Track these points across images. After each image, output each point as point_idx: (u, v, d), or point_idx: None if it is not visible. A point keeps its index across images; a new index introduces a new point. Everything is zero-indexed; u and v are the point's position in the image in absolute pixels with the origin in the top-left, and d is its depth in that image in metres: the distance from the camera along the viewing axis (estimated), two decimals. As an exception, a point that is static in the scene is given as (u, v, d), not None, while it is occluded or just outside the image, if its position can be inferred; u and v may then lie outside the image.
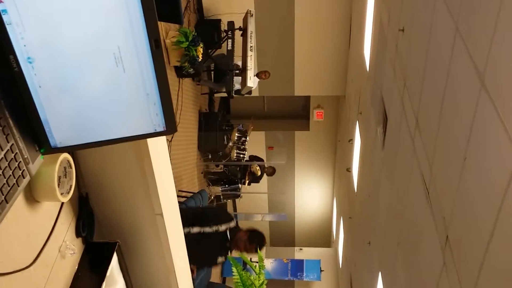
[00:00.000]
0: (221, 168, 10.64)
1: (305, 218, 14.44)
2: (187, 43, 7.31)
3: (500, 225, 2.40)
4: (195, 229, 4.17)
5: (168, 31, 7.61)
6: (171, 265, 1.67)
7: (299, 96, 11.95)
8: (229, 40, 8.85)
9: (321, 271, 11.11)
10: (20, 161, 1.07)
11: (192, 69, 7.81)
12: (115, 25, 1.02)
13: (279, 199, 13.75)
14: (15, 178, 1.05)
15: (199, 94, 9.96)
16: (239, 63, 8.74)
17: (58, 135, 1.12)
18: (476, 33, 2.71)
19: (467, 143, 2.80)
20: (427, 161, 3.64)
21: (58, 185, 1.21)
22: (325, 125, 12.57)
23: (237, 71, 8.72)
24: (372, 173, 6.53)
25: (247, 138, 10.13)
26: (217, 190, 10.50)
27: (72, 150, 1.25)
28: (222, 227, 4.33)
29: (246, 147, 10.14)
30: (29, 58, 1.02)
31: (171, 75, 7.90)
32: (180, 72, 8.01)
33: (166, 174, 1.63)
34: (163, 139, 1.58)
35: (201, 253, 4.10)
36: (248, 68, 8.37)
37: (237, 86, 8.88)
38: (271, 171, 10.87)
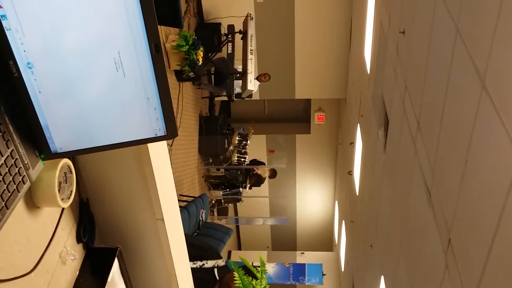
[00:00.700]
0: (222, 172, 10.64)
1: (306, 222, 14.42)
2: (187, 46, 7.32)
3: (502, 227, 2.39)
4: None
5: (168, 35, 7.62)
6: (172, 270, 1.66)
7: (300, 99, 11.95)
8: (229, 44, 8.86)
9: (323, 275, 11.08)
10: (20, 167, 1.06)
11: (192, 73, 7.81)
12: (115, 30, 1.01)
13: (280, 203, 13.74)
14: (15, 184, 1.04)
15: (199, 97, 9.97)
16: (240, 67, 8.75)
17: (58, 140, 1.12)
18: (477, 35, 2.71)
19: (469, 145, 2.80)
20: (429, 164, 3.63)
21: (59, 190, 1.20)
22: (326, 128, 12.57)
23: (238, 75, 8.72)
24: (374, 176, 6.52)
25: (248, 141, 10.13)
26: (218, 194, 10.49)
27: (72, 155, 1.25)
28: (208, 264, 3.81)
29: (247, 150, 10.14)
30: (28, 63, 1.02)
31: (171, 79, 7.90)
32: (180, 76, 8.02)
33: (166, 179, 1.62)
34: (163, 143, 1.58)
35: None
36: (249, 71, 8.37)
37: (237, 89, 8.89)
38: (272, 173, 10.87)
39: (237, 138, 10.03)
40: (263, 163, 10.81)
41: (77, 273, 1.45)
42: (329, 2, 9.41)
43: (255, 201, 12.52)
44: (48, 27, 0.99)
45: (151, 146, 1.41)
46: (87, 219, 1.51)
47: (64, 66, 1.03)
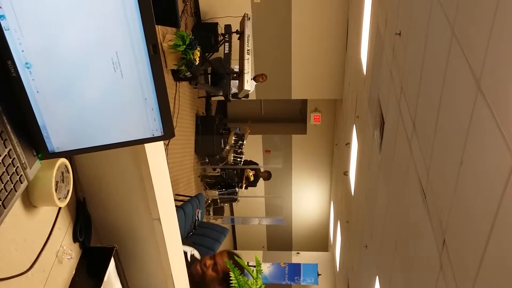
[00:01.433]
0: (218, 171, 10.64)
1: (302, 222, 14.44)
2: (184, 46, 7.32)
3: (496, 228, 2.40)
4: None
5: (165, 34, 7.62)
6: (168, 270, 1.67)
7: (296, 100, 11.97)
8: (226, 44, 8.86)
9: (318, 275, 11.11)
10: (17, 166, 1.07)
11: (189, 73, 7.82)
12: (113, 30, 1.02)
13: (276, 203, 13.75)
14: (12, 183, 1.05)
15: (196, 97, 9.97)
16: (236, 67, 8.75)
17: (56, 140, 1.12)
18: (472, 37, 2.72)
19: (464, 147, 2.81)
20: (424, 165, 3.65)
21: (56, 190, 1.21)
22: (322, 129, 12.59)
23: (234, 75, 8.73)
24: (369, 176, 6.54)
25: (244, 141, 10.14)
26: (214, 193, 10.49)
27: (69, 155, 1.25)
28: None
29: (243, 150, 10.15)
30: (27, 63, 1.02)
31: (168, 79, 7.90)
32: (177, 75, 8.02)
33: (163, 179, 1.63)
34: (160, 143, 1.58)
35: None
36: (245, 71, 8.38)
37: (234, 89, 8.90)
38: (267, 175, 10.88)
39: (233, 138, 10.04)
40: (256, 163, 10.81)
41: (74, 272, 1.45)
42: (326, 3, 9.43)
43: (251, 201, 12.53)
44: (46, 27, 1.00)
45: (148, 145, 1.42)
46: (84, 219, 1.51)
47: (62, 66, 1.04)
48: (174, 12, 5.36)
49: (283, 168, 12.28)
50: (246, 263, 2.95)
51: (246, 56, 8.46)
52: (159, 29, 7.31)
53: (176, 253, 1.79)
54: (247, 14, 8.74)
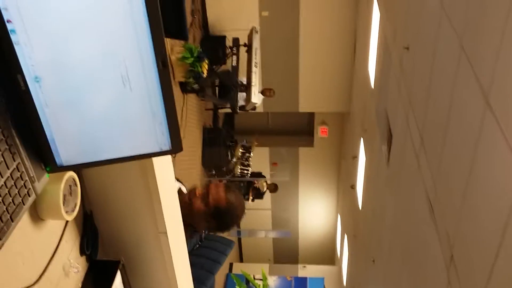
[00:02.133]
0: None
1: (309, 235, 14.38)
2: (192, 59, 7.36)
3: (505, 243, 2.38)
4: None
5: (173, 46, 7.66)
6: (174, 284, 1.66)
7: (304, 113, 11.97)
8: (234, 56, 8.90)
9: (324, 289, 11.05)
10: (26, 180, 1.07)
11: (196, 85, 7.85)
12: (122, 45, 1.02)
13: (282, 216, 13.72)
14: (21, 197, 1.05)
15: (203, 109, 10.00)
16: (244, 79, 8.78)
17: (64, 153, 1.12)
18: (481, 51, 2.72)
19: (472, 161, 2.80)
20: (432, 179, 3.63)
21: (63, 203, 1.21)
22: (329, 142, 12.57)
23: (242, 87, 8.75)
24: (377, 190, 6.51)
25: (251, 154, 10.14)
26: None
27: (77, 168, 1.26)
28: None
29: (250, 163, 10.15)
30: (36, 77, 1.03)
31: (176, 91, 7.93)
32: (184, 87, 8.05)
33: (170, 192, 1.63)
34: (168, 156, 1.58)
35: None
36: (253, 84, 8.41)
37: (241, 102, 8.91)
38: (273, 188, 10.87)
39: (240, 150, 10.04)
40: (263, 176, 10.80)
41: (80, 285, 1.45)
42: (333, 16, 9.46)
43: (257, 213, 12.50)
44: (56, 42, 1.00)
45: (155, 159, 1.42)
46: (91, 232, 1.51)
47: (71, 80, 1.04)
48: (183, 25, 5.39)
49: (290, 181, 12.26)
50: (252, 277, 2.94)
51: (254, 69, 8.49)
52: (167, 41, 7.35)
53: (182, 267, 1.78)
54: (255, 27, 8.78)
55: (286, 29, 9.82)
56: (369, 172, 7.38)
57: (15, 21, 0.97)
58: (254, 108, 9.21)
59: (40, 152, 1.11)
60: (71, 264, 1.39)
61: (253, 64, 8.53)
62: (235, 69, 8.83)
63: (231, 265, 12.20)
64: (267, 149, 13.03)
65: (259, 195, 10.62)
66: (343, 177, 12.08)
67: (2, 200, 0.99)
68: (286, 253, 14.56)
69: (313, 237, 14.39)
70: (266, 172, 11.84)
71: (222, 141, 9.86)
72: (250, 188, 10.45)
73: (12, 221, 1.03)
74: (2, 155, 0.99)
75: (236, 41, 9.01)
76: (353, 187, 9.25)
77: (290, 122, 13.03)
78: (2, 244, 1.01)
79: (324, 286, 11.08)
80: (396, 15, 5.25)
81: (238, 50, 8.94)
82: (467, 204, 2.90)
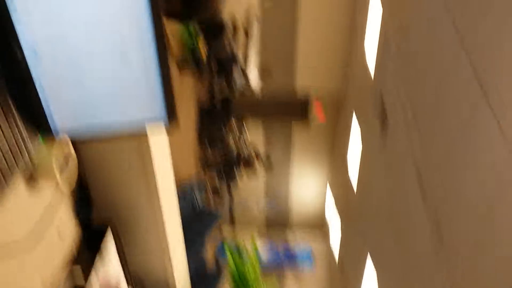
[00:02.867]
0: (219, 158, 10.63)
1: (299, 204, 14.44)
2: (190, 36, 7.34)
3: (491, 225, 2.43)
4: None
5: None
6: (165, 244, 1.69)
7: (300, 91, 11.94)
8: (232, 35, 8.83)
9: (313, 259, 11.22)
10: (21, 144, 1.08)
11: (193, 62, 7.82)
12: (120, 8, 1.03)
13: (275, 186, 13.76)
14: (15, 159, 1.06)
15: (199, 86, 9.94)
16: (241, 57, 8.74)
17: (59, 118, 1.13)
18: (472, 29, 2.73)
19: (464, 143, 2.83)
20: (421, 150, 3.68)
21: (58, 167, 1.22)
22: (324, 125, 12.55)
23: (239, 65, 8.72)
24: (371, 171, 6.56)
25: (246, 131, 10.14)
26: (213, 177, 10.50)
27: (73, 134, 1.27)
28: None
29: (246, 138, 10.16)
30: (34, 46, 1.03)
31: (172, 67, 7.89)
32: (181, 65, 8.01)
33: (164, 158, 1.64)
34: (163, 130, 1.59)
35: None
36: (250, 62, 8.38)
37: (238, 79, 8.88)
38: (268, 164, 10.85)
39: (235, 126, 10.03)
40: (257, 151, 10.79)
41: (74, 247, 1.47)
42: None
43: (249, 186, 12.53)
44: (52, 7, 1.01)
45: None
46: (85, 197, 1.53)
47: (68, 44, 1.05)
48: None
49: (282, 159, 12.28)
50: (243, 243, 2.92)
51: (251, 47, 8.44)
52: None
53: (173, 228, 1.80)
54: (254, 5, 8.70)
55: (285, 6, 9.77)
56: (364, 153, 7.41)
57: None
58: (250, 84, 9.19)
59: (36, 118, 1.13)
60: (65, 227, 1.41)
61: (251, 42, 8.50)
62: (233, 46, 8.77)
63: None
64: (261, 125, 12.98)
65: (252, 170, 10.60)
66: (336, 158, 12.11)
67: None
68: (275, 225, 14.61)
69: (303, 205, 14.45)
70: (260, 146, 11.81)
71: (218, 116, 9.83)
72: (244, 163, 10.44)
73: (6, 183, 1.04)
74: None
75: (234, 19, 8.92)
76: (346, 167, 9.32)
77: (286, 100, 12.97)
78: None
79: (312, 255, 11.32)
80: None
81: (236, 28, 8.87)
82: (458, 186, 2.94)
